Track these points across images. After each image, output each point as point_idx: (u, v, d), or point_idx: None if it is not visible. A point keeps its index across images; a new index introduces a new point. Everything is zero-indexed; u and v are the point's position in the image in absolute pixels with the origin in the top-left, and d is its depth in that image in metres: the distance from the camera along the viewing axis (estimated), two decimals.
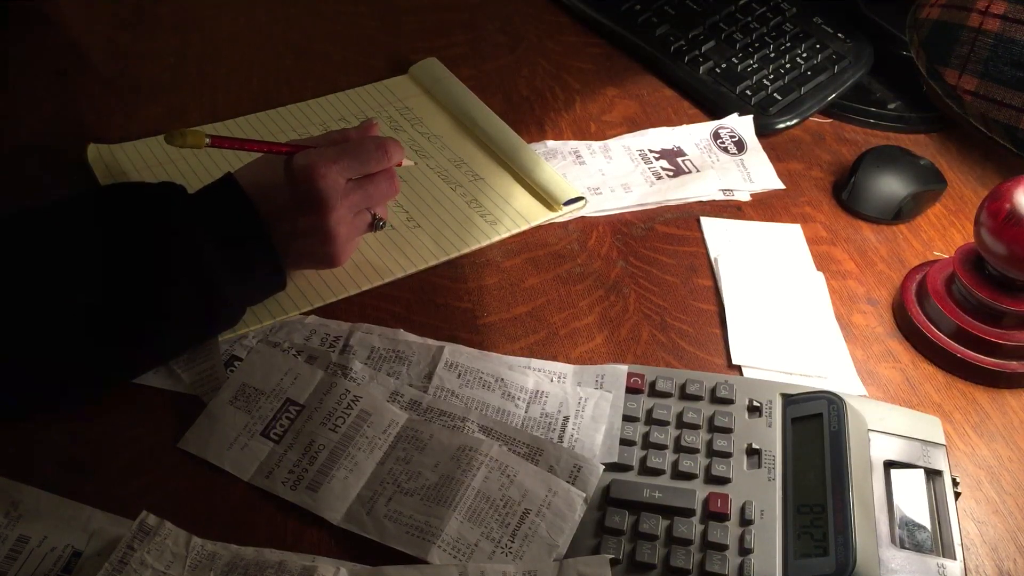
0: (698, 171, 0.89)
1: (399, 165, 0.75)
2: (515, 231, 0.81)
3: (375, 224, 0.73)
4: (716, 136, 0.92)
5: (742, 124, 0.93)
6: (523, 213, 0.83)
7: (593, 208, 0.84)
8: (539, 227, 0.82)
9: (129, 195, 0.67)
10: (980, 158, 0.95)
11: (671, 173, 0.88)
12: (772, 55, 0.99)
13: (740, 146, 0.91)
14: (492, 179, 0.86)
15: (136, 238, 0.64)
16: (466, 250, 0.79)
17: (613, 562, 0.58)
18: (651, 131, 0.93)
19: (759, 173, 0.90)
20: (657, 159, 0.90)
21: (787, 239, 0.84)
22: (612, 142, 0.91)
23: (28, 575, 0.57)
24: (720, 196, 0.87)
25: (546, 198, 0.84)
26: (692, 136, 0.92)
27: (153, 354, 0.67)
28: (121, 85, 0.92)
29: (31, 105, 0.89)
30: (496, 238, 0.81)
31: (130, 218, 0.65)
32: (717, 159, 0.90)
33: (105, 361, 0.65)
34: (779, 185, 0.89)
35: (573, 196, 0.83)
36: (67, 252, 0.63)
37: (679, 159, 0.90)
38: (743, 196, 0.87)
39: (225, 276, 0.65)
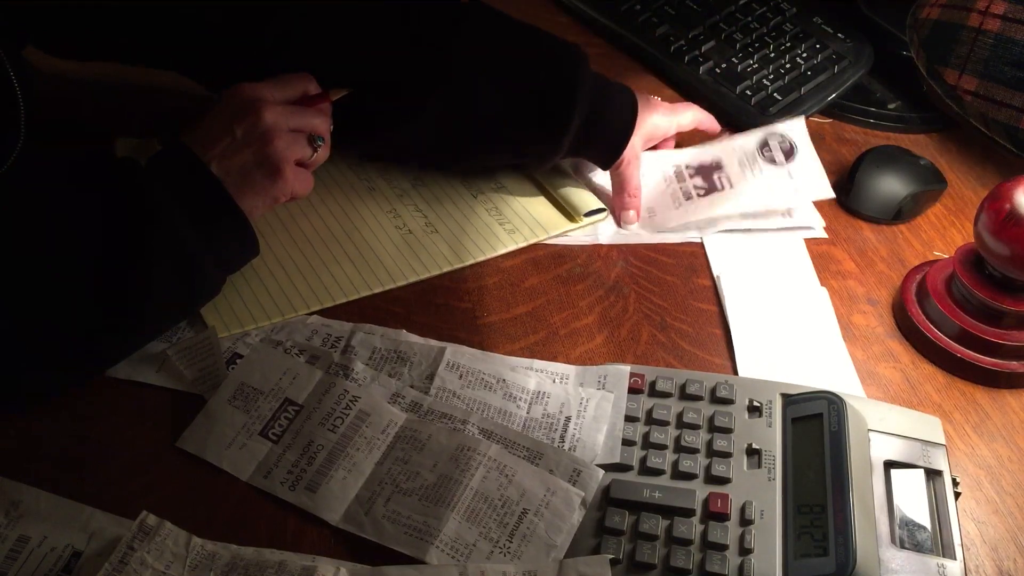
0: (732, 187, 0.83)
1: (332, 98, 0.75)
2: (533, 240, 0.81)
3: (313, 143, 0.73)
4: (764, 146, 0.85)
5: (794, 128, 0.85)
6: (542, 223, 0.82)
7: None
8: None
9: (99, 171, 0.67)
10: (980, 158, 0.95)
11: (702, 192, 0.83)
12: (772, 55, 0.99)
13: (790, 153, 0.84)
14: (515, 188, 0.86)
15: (113, 219, 0.64)
16: (482, 258, 0.79)
17: (613, 562, 0.58)
18: (688, 149, 0.87)
19: (807, 182, 0.83)
20: (692, 176, 0.85)
21: (788, 250, 0.82)
22: (646, 154, 0.85)
23: (28, 575, 0.57)
24: (739, 224, 0.83)
25: (568, 208, 0.83)
26: (736, 151, 0.85)
27: (138, 332, 0.68)
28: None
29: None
30: (513, 247, 0.80)
31: (106, 196, 0.65)
32: (761, 171, 0.83)
33: (89, 340, 0.65)
34: (829, 195, 0.83)
35: (595, 207, 0.83)
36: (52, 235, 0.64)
37: (715, 175, 0.84)
38: (795, 218, 0.84)
39: (202, 249, 0.66)
